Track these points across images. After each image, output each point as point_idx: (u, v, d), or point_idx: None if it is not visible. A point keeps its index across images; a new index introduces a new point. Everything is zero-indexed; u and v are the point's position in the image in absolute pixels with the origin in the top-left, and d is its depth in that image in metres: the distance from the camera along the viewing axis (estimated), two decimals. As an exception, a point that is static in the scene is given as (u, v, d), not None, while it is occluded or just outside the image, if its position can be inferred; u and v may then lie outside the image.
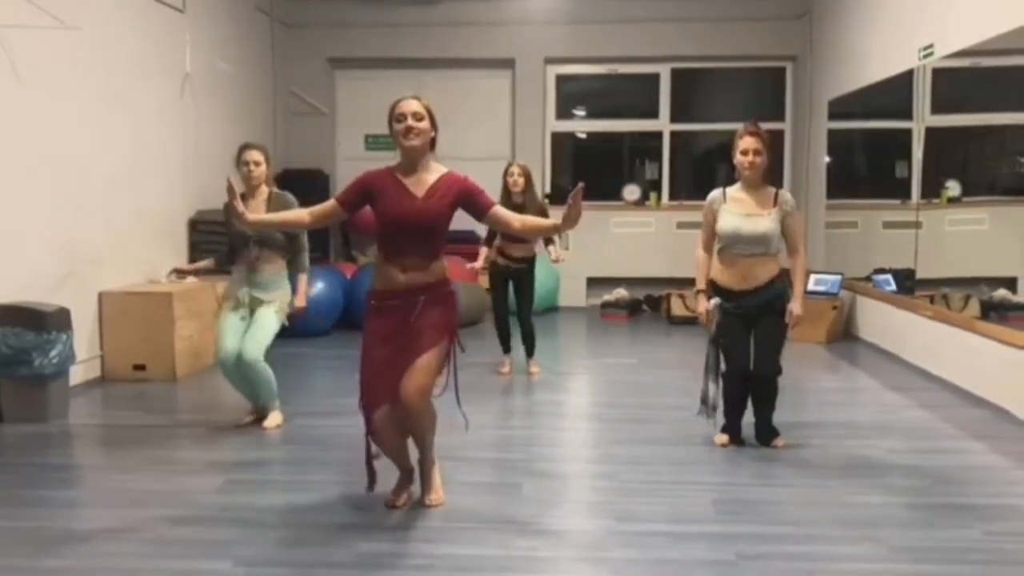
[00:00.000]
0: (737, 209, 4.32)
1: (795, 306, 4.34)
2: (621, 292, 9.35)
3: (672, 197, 9.93)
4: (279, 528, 3.42)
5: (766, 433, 4.46)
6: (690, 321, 8.43)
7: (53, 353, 4.91)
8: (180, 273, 5.13)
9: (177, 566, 3.07)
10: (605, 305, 9.26)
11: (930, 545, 3.26)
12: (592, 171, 10.18)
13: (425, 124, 3.38)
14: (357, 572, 3.03)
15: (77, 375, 5.52)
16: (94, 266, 5.89)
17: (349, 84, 9.88)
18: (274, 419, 4.84)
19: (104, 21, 6.01)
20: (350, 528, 3.41)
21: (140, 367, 5.98)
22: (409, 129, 3.35)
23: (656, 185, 9.97)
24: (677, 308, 8.75)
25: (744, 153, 4.28)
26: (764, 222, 4.27)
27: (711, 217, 4.40)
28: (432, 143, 3.45)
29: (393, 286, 3.40)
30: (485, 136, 9.65)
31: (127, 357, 5.98)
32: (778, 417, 4.51)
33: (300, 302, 4.83)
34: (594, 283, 9.75)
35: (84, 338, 5.69)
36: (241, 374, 4.74)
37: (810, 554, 3.18)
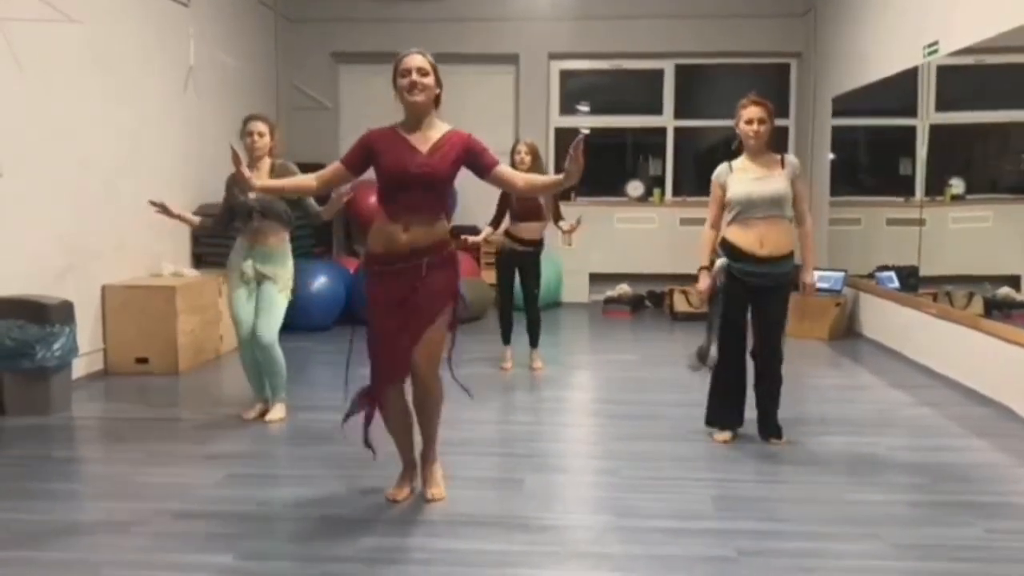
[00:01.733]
0: (747, 175, 4.32)
1: (807, 275, 4.37)
2: (624, 288, 9.35)
3: (675, 193, 9.92)
4: (281, 522, 3.43)
5: (770, 429, 4.46)
6: (693, 317, 8.43)
7: (56, 346, 4.92)
8: (161, 209, 4.61)
9: (179, 559, 3.08)
10: (607, 301, 9.26)
11: (932, 543, 3.26)
12: (595, 167, 10.13)
13: (430, 80, 3.35)
14: (359, 566, 3.04)
15: (80, 368, 5.53)
16: (97, 259, 5.90)
17: (352, 79, 9.87)
18: (278, 412, 4.85)
19: (108, 15, 6.01)
20: (352, 522, 3.41)
21: (143, 360, 5.99)
22: (413, 84, 3.32)
23: (659, 181, 9.96)
24: (680, 304, 8.74)
25: (749, 122, 4.29)
26: (776, 183, 4.28)
27: (720, 191, 4.39)
28: (436, 100, 3.41)
29: (395, 247, 3.34)
30: (488, 131, 9.44)
31: (130, 350, 6.00)
32: (779, 413, 4.50)
33: (344, 196, 4.35)
34: (597, 279, 9.74)
35: (87, 331, 5.70)
36: (255, 357, 4.76)
37: (811, 551, 3.18)
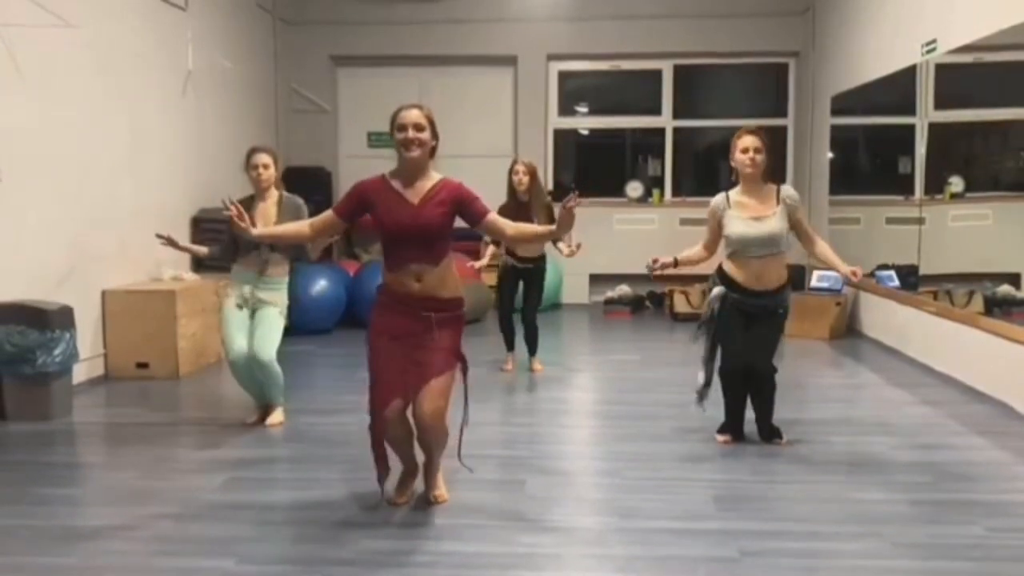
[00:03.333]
0: (743, 214, 4.28)
1: (845, 269, 4.27)
2: (624, 289, 9.34)
3: (675, 194, 9.92)
4: (282, 526, 3.43)
5: (768, 433, 4.46)
6: (693, 318, 8.42)
7: (56, 351, 4.92)
8: (168, 242, 4.56)
9: (180, 564, 3.08)
10: (608, 302, 9.26)
11: (933, 541, 3.26)
12: (594, 168, 10.19)
13: (426, 135, 3.38)
14: (361, 569, 3.03)
15: (80, 373, 5.53)
16: (97, 264, 5.90)
17: (351, 81, 9.87)
18: (276, 416, 4.86)
19: (106, 19, 6.02)
20: (354, 525, 3.41)
21: (143, 365, 5.99)
22: (410, 141, 3.36)
23: (659, 182, 9.96)
24: (680, 305, 8.73)
25: (744, 151, 4.22)
26: (771, 223, 4.25)
27: (715, 223, 4.38)
28: (432, 151, 3.45)
29: (408, 290, 3.40)
30: (487, 133, 9.64)
31: (130, 355, 6.00)
32: (780, 413, 4.50)
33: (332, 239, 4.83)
34: (597, 280, 9.74)
35: (87, 336, 5.70)
36: (251, 373, 4.75)
37: (812, 550, 3.18)
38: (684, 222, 9.39)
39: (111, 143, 6.09)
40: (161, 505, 3.62)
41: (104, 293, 5.97)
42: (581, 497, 3.79)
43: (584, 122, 10.21)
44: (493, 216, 3.51)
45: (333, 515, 3.51)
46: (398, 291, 3.42)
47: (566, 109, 10.02)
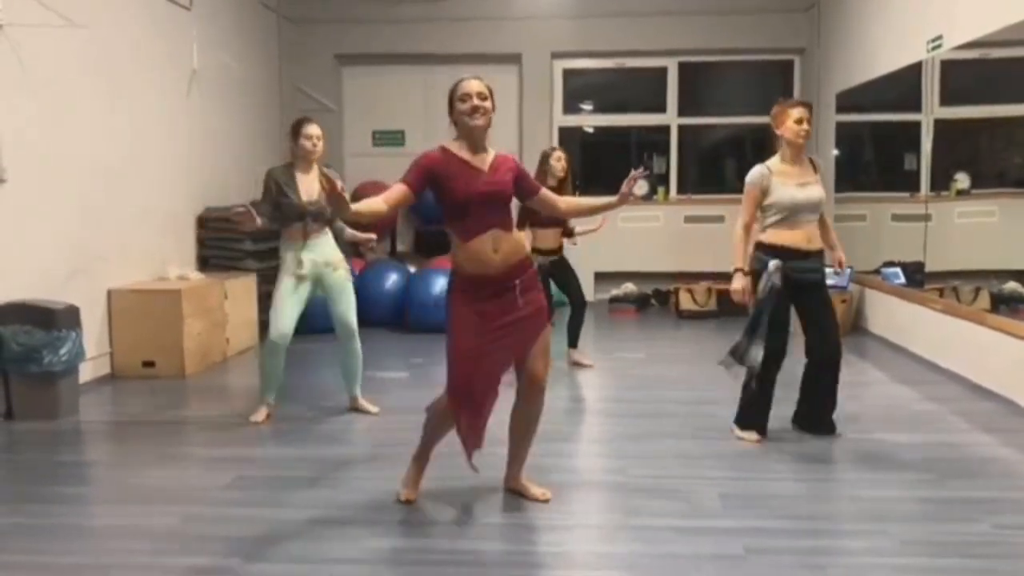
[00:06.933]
0: (788, 180, 4.33)
1: (841, 254, 4.62)
2: (629, 287, 9.34)
3: (680, 191, 9.90)
4: (290, 524, 3.43)
5: (830, 425, 4.50)
6: (698, 315, 8.42)
7: (63, 350, 4.93)
8: (246, 214, 4.39)
9: (187, 562, 3.08)
10: (613, 300, 9.26)
11: (939, 539, 3.25)
12: (599, 165, 10.17)
13: (488, 104, 3.43)
14: (367, 568, 3.04)
15: (87, 372, 5.55)
16: (102, 263, 5.91)
17: (356, 80, 9.86)
18: (369, 404, 5.08)
19: (111, 19, 6.03)
20: (361, 524, 3.42)
21: (149, 364, 6.01)
22: (475, 108, 3.39)
23: (664, 179, 9.96)
24: (685, 302, 8.72)
25: (799, 122, 4.29)
26: (816, 189, 4.36)
27: (758, 193, 4.35)
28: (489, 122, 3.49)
29: (488, 270, 3.33)
30: (492, 131, 9.54)
31: (136, 354, 6.01)
32: (783, 410, 4.51)
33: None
34: (602, 278, 9.73)
35: (93, 335, 5.72)
36: (283, 359, 4.83)
37: (819, 548, 3.18)
38: (689, 219, 9.38)
39: (116, 142, 6.10)
40: (168, 503, 3.64)
41: (110, 292, 5.98)
42: (587, 495, 3.79)
43: (589, 120, 10.20)
44: (546, 191, 3.66)
45: (340, 513, 3.52)
46: (476, 272, 3.33)
47: (571, 107, 10.01)
